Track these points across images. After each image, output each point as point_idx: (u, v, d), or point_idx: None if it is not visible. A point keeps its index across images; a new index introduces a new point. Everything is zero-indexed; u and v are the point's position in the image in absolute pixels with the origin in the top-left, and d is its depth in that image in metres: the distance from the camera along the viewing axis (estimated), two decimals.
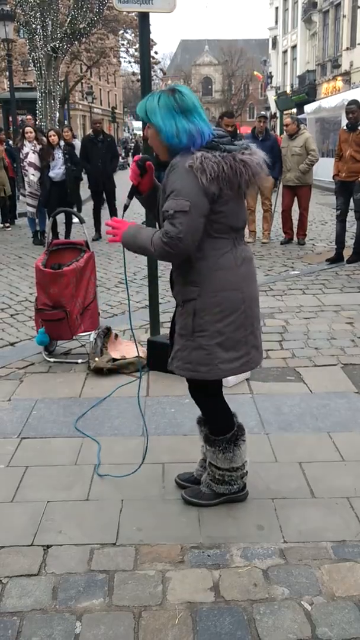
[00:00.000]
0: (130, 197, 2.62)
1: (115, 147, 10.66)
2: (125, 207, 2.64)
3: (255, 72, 57.22)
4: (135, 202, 2.65)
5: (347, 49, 29.91)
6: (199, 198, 2.25)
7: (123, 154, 35.49)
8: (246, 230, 3.06)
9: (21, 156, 9.69)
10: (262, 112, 11.03)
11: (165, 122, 2.30)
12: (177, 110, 2.29)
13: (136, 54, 29.28)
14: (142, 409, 3.67)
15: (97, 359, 4.35)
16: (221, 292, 2.42)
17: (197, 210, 2.25)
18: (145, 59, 4.33)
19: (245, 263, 2.49)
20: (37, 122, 17.05)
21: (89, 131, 12.40)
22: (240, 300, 2.46)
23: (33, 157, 9.40)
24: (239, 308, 2.45)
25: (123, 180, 11.87)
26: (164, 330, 4.89)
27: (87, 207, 11.30)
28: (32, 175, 9.44)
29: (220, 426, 2.68)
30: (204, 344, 2.44)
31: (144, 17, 4.24)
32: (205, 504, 2.77)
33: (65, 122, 28.17)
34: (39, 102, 17.44)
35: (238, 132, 8.73)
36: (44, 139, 9.57)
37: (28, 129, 9.74)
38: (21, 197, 10.63)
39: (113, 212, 10.03)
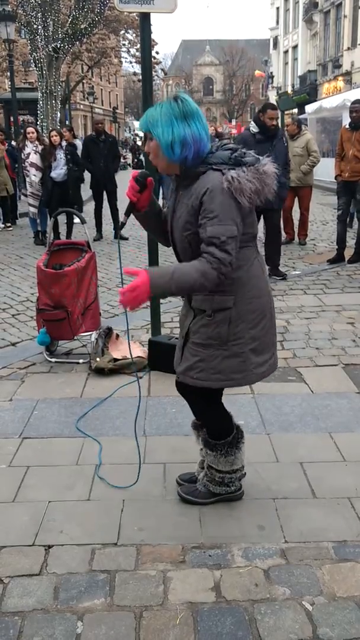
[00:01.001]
0: (127, 214, 2.49)
1: (117, 147, 10.66)
2: (122, 225, 2.52)
3: (257, 71, 57.22)
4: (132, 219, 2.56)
5: (348, 49, 29.92)
6: (239, 220, 2.24)
7: (124, 152, 35.32)
8: None
9: (23, 156, 9.70)
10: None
11: (164, 132, 2.23)
12: (177, 117, 2.22)
13: (137, 54, 29.27)
14: (144, 409, 3.68)
15: (98, 359, 4.35)
16: (257, 298, 2.44)
17: (239, 231, 2.25)
18: (146, 60, 4.33)
19: (265, 269, 2.55)
20: (38, 122, 17.08)
21: (90, 131, 12.37)
22: (269, 305, 2.51)
23: (35, 158, 9.41)
24: (267, 312, 2.50)
25: (124, 181, 11.86)
26: (165, 331, 4.90)
27: (88, 208, 11.31)
28: (34, 176, 9.45)
29: (221, 430, 2.68)
30: (239, 351, 2.43)
31: (145, 18, 4.24)
32: (201, 502, 2.78)
33: (67, 122, 28.18)
34: (40, 102, 17.45)
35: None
36: (46, 139, 9.57)
37: (29, 129, 9.74)
38: (22, 197, 10.64)
39: (114, 212, 10.03)
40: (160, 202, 9.57)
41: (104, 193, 10.04)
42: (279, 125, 7.25)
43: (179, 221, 2.37)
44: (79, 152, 10.09)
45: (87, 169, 9.76)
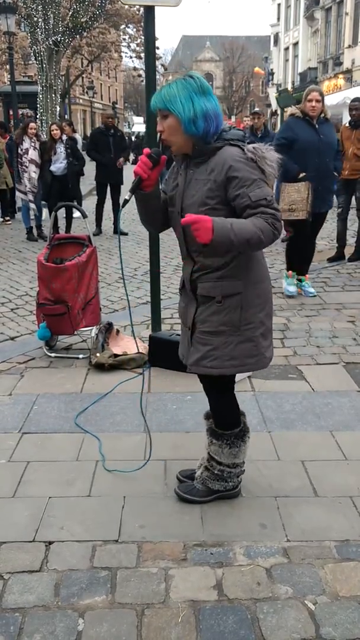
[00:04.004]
0: (132, 191, 2.38)
1: (125, 141, 10.73)
2: (125, 202, 2.39)
3: (256, 68, 57.03)
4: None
5: (349, 46, 29.87)
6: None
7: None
8: None
9: (20, 151, 9.59)
10: (257, 109, 10.89)
11: (185, 107, 2.24)
12: (196, 92, 2.26)
13: (137, 49, 29.13)
14: (144, 405, 3.66)
15: (98, 354, 4.33)
16: (261, 283, 2.48)
17: None
18: (150, 53, 4.29)
19: (263, 255, 2.57)
20: (37, 116, 16.99)
21: (89, 126, 12.37)
22: (270, 290, 2.56)
23: (34, 154, 9.31)
24: (270, 297, 2.55)
25: (125, 177, 11.76)
26: (165, 327, 4.88)
27: (86, 203, 11.26)
28: (33, 172, 9.34)
29: (230, 420, 2.68)
30: (252, 335, 2.46)
31: (149, 11, 4.21)
32: (198, 500, 2.76)
33: (66, 116, 28.05)
34: (40, 96, 17.34)
35: None
36: (42, 135, 9.50)
37: (32, 124, 9.65)
38: (17, 192, 10.51)
39: (116, 207, 9.99)
40: None
41: (108, 186, 9.99)
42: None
43: (194, 198, 2.35)
44: (79, 146, 10.05)
45: (95, 159, 9.72)
